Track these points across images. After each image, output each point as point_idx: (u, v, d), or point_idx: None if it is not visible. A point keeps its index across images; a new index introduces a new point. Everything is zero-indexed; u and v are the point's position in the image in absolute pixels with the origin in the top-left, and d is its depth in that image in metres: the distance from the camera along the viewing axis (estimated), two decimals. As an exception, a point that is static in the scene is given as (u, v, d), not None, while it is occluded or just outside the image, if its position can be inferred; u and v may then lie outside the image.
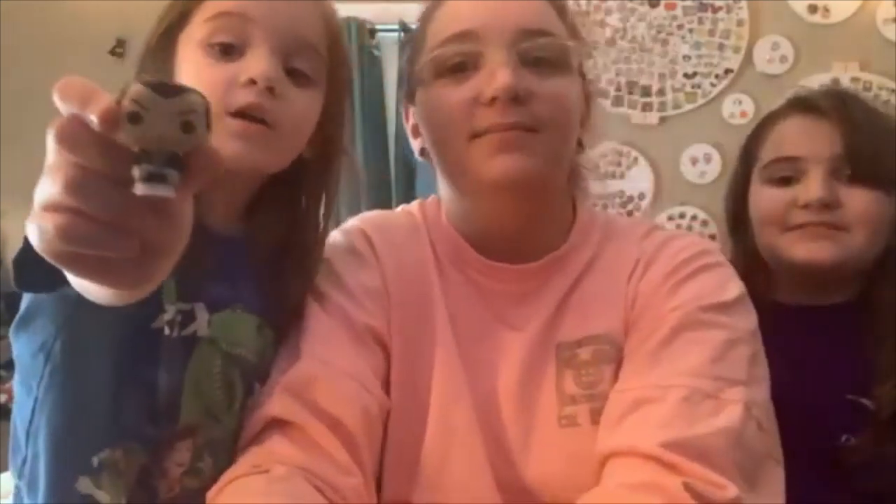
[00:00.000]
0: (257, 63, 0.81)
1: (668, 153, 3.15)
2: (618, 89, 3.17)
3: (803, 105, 1.15)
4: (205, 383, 0.83)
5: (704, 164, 3.17)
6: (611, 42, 3.17)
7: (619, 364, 0.83)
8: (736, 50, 3.16)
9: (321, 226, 0.92)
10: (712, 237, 2.86)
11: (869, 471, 1.03)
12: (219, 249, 0.84)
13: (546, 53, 0.84)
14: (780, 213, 1.11)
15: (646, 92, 3.20)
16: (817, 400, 1.04)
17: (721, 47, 3.17)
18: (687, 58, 3.19)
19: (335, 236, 0.94)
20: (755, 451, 0.73)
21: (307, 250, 0.91)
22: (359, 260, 0.90)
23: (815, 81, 3.11)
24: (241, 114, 0.81)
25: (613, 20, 3.18)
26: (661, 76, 3.21)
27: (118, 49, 3.51)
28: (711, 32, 3.18)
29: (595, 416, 0.81)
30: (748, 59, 3.15)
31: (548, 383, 0.84)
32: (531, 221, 0.89)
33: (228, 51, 0.82)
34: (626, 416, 0.75)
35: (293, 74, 0.84)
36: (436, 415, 0.84)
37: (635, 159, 3.15)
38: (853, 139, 1.08)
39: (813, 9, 3.10)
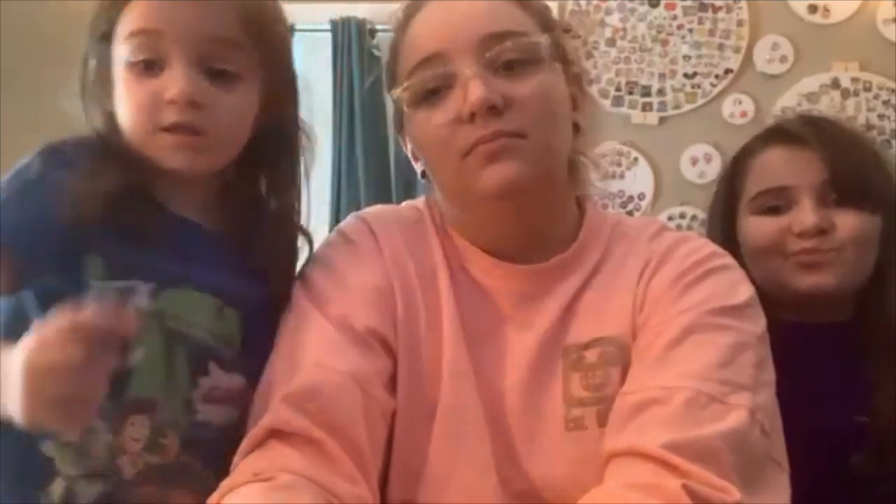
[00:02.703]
0: (174, 81, 0.84)
1: (668, 153, 3.15)
2: (618, 89, 3.17)
3: (783, 135, 1.18)
4: (151, 358, 0.85)
5: (704, 164, 3.16)
6: (611, 42, 3.17)
7: (625, 366, 0.82)
8: (736, 50, 3.16)
9: (291, 200, 0.95)
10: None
11: (873, 486, 1.03)
12: (175, 230, 0.88)
13: (515, 55, 0.84)
14: (778, 242, 1.13)
15: (646, 92, 3.20)
16: (821, 418, 1.04)
17: (721, 47, 3.17)
18: (687, 58, 3.19)
19: (339, 231, 0.93)
20: (757, 456, 0.73)
21: (278, 226, 0.93)
22: (362, 258, 0.89)
23: (816, 81, 3.11)
24: (173, 127, 0.85)
25: (613, 20, 3.18)
26: (661, 76, 3.21)
27: (118, 49, 3.51)
28: (711, 32, 3.18)
29: (602, 419, 0.80)
30: (748, 59, 3.14)
31: (554, 386, 0.84)
32: (535, 223, 0.88)
33: (150, 66, 0.85)
34: (632, 418, 0.74)
35: (217, 75, 0.87)
36: (444, 415, 0.83)
37: (635, 159, 3.15)
38: (837, 164, 1.11)
39: (813, 9, 3.10)
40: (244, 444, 0.76)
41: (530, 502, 0.82)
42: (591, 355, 0.83)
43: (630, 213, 3.12)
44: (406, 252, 0.89)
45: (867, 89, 3.08)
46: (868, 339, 1.10)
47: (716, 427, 0.71)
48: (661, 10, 3.19)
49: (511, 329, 0.87)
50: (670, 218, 3.09)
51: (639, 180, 3.13)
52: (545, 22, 0.89)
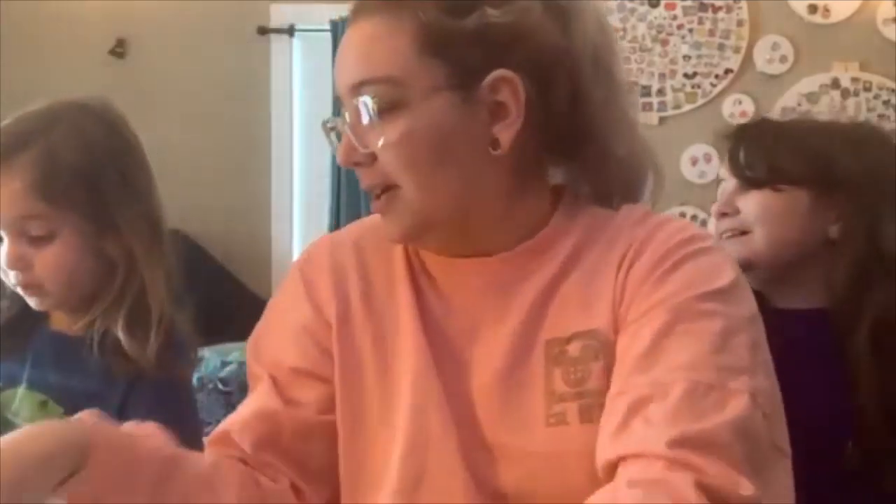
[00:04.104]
0: (4, 253, 1.08)
1: (668, 153, 3.15)
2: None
3: (726, 138, 1.29)
4: None
5: (704, 164, 3.17)
6: (611, 42, 3.18)
7: (608, 360, 0.79)
8: (736, 50, 3.16)
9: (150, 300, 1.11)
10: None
11: (866, 476, 1.04)
12: (40, 342, 1.14)
13: (375, 106, 0.79)
14: (714, 229, 1.23)
15: (646, 92, 3.20)
16: (810, 406, 1.05)
17: (721, 47, 3.17)
18: (687, 58, 3.20)
19: (298, 259, 0.97)
20: (762, 443, 0.71)
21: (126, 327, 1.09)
22: (296, 296, 0.91)
23: (816, 81, 3.11)
24: (17, 287, 1.10)
25: (613, 20, 3.18)
26: (661, 76, 3.21)
27: (118, 49, 3.51)
28: (711, 32, 3.18)
29: (584, 414, 0.79)
30: (748, 59, 3.15)
31: (536, 381, 0.82)
32: (472, 237, 0.86)
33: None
34: (631, 419, 0.72)
35: (34, 240, 1.07)
36: (408, 424, 0.83)
37: (635, 159, 3.15)
38: (734, 153, 1.21)
39: (813, 9, 3.10)
40: None
41: (509, 501, 0.81)
42: (574, 349, 0.81)
43: (630, 213, 3.12)
44: (355, 273, 0.89)
45: (867, 89, 3.08)
46: (851, 328, 1.11)
47: (720, 417, 0.69)
48: (661, 10, 3.19)
49: (482, 325, 0.85)
50: (670, 218, 3.09)
51: (639, 180, 3.13)
52: (436, 42, 0.80)
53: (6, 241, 1.08)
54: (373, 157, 0.81)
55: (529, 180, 0.87)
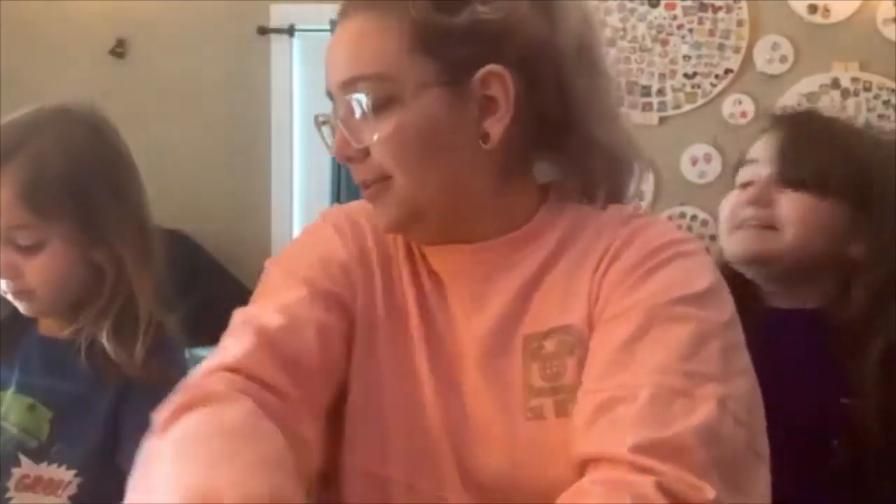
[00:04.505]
0: None
1: (668, 153, 3.15)
2: (617, 89, 3.17)
3: (772, 120, 1.25)
4: None
5: (704, 164, 3.17)
6: (611, 42, 3.17)
7: (581, 357, 0.80)
8: (736, 50, 3.16)
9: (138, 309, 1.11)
10: (713, 237, 2.86)
11: (855, 476, 1.04)
12: (29, 346, 1.15)
13: (367, 102, 0.80)
14: (732, 212, 1.19)
15: (646, 92, 3.20)
16: (801, 403, 1.05)
17: (721, 47, 3.17)
18: (687, 58, 3.19)
19: (319, 214, 0.96)
20: (735, 449, 0.70)
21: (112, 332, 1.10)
22: (330, 237, 0.90)
23: (816, 81, 3.11)
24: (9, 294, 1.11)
25: (613, 20, 3.18)
26: (661, 76, 3.21)
27: (118, 49, 3.51)
28: (711, 32, 3.18)
29: (559, 409, 0.79)
30: (748, 59, 3.15)
31: (514, 375, 0.82)
32: (459, 227, 0.86)
33: None
34: (597, 420, 0.72)
35: (23, 248, 1.08)
36: (401, 401, 0.84)
37: (635, 159, 3.15)
38: (785, 145, 1.18)
39: (813, 9, 3.10)
40: (207, 367, 0.78)
41: (489, 493, 0.81)
42: (550, 344, 0.82)
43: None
44: (371, 235, 0.90)
45: (867, 89, 3.08)
46: (847, 329, 1.11)
47: (685, 423, 0.69)
48: (661, 10, 3.19)
49: (464, 313, 0.86)
50: (670, 218, 3.09)
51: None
52: (427, 39, 0.81)
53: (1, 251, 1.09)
54: (366, 153, 0.83)
55: (517, 175, 0.88)
